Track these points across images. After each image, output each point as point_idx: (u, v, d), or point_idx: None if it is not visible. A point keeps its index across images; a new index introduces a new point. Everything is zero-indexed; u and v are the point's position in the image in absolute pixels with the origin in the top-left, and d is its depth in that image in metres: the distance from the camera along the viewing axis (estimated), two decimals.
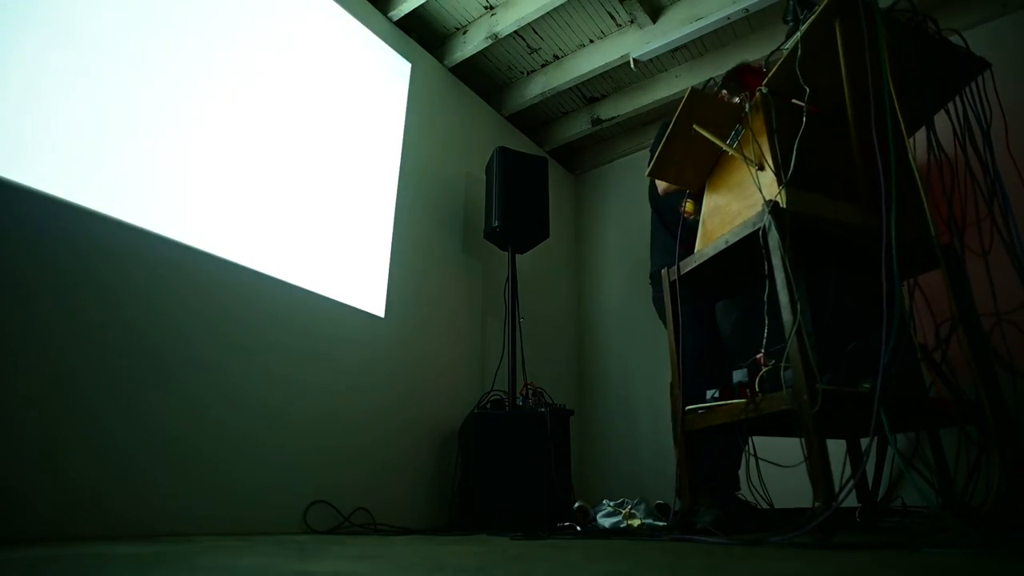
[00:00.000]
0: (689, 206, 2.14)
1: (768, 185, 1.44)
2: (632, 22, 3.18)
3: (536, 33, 3.29)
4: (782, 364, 1.27)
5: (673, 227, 2.25)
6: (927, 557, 0.89)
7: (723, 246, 1.54)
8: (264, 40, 2.41)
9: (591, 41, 3.36)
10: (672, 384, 2.09)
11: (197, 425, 1.85)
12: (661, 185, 2.12)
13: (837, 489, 1.12)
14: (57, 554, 1.12)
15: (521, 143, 3.81)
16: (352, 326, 2.48)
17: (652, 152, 2.28)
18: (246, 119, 2.27)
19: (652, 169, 1.79)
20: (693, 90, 1.65)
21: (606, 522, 1.95)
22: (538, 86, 3.57)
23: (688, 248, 2.14)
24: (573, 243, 4.16)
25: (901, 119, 1.23)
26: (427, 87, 3.19)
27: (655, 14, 3.13)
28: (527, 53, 3.45)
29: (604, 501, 2.05)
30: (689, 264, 1.71)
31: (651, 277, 2.32)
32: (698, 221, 2.15)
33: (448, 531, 2.30)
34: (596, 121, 3.81)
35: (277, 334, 2.17)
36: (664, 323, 2.25)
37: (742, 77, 2.21)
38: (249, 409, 2.01)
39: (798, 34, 1.44)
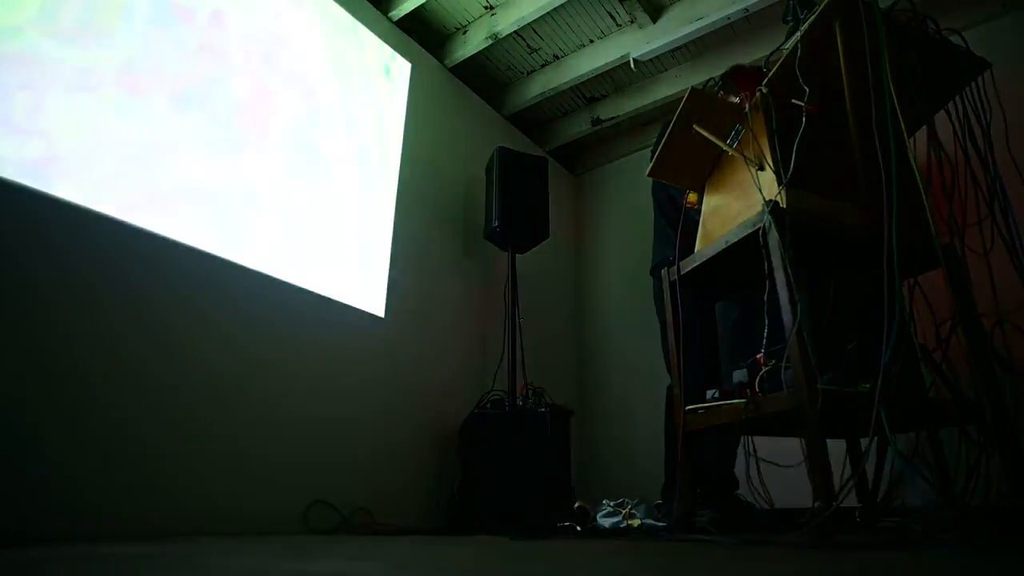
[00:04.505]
0: (692, 196, 2.13)
1: (768, 185, 1.44)
2: (632, 22, 3.18)
3: (536, 33, 3.29)
4: (782, 364, 1.27)
5: (672, 217, 2.24)
6: (927, 557, 0.89)
7: (723, 246, 1.54)
8: (264, 40, 2.41)
9: (591, 41, 3.36)
10: (672, 384, 2.09)
11: (197, 425, 1.85)
12: None
13: (837, 489, 1.12)
14: (57, 554, 1.12)
15: (521, 143, 3.81)
16: (352, 326, 2.48)
17: (653, 152, 2.27)
18: (246, 119, 2.27)
19: (652, 169, 1.79)
20: (693, 90, 1.65)
21: (606, 522, 1.95)
22: (538, 86, 3.57)
23: (689, 239, 2.13)
24: (573, 243, 4.15)
25: (901, 119, 1.23)
26: (427, 87, 3.19)
27: (655, 14, 3.13)
28: (527, 53, 3.45)
29: (604, 501, 2.05)
30: (689, 264, 1.71)
31: (652, 270, 2.31)
32: (699, 210, 2.14)
33: (448, 531, 2.30)
34: (596, 121, 3.81)
35: (277, 334, 2.17)
36: (660, 319, 2.24)
37: (736, 79, 2.22)
38: (249, 409, 2.01)
39: (798, 34, 1.44)
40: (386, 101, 2.94)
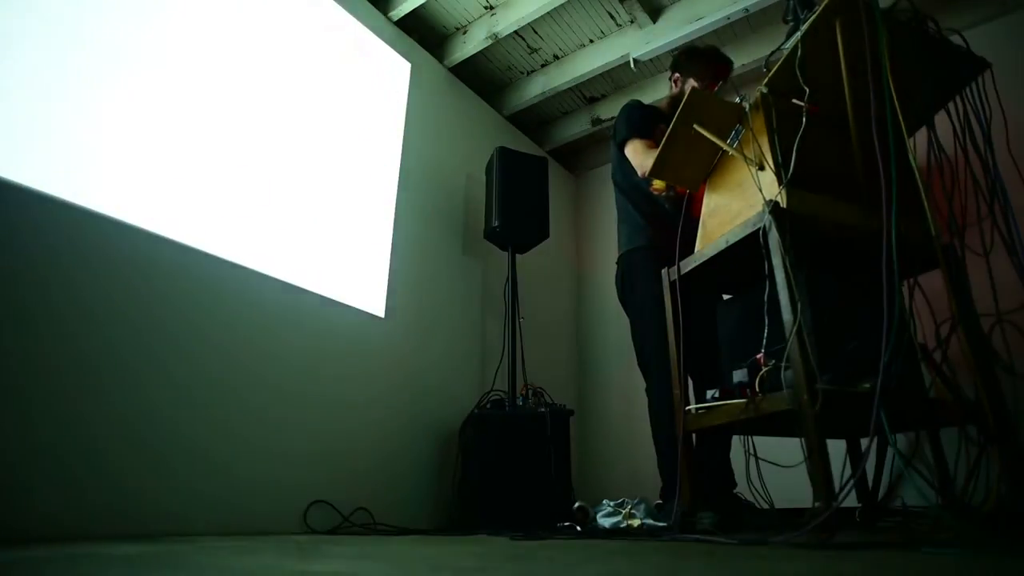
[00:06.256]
0: (659, 183, 2.12)
1: (768, 185, 1.44)
2: (632, 22, 3.18)
3: (536, 33, 3.29)
4: (782, 364, 1.27)
5: (636, 201, 2.23)
6: (927, 557, 0.89)
7: (723, 246, 1.54)
8: (264, 40, 2.41)
9: (591, 41, 3.36)
10: (649, 387, 2.10)
11: (197, 425, 1.85)
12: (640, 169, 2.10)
13: (837, 489, 1.12)
14: (57, 554, 1.12)
15: (521, 143, 3.81)
16: (352, 326, 2.48)
17: (618, 131, 2.24)
18: (246, 119, 2.27)
19: (652, 169, 1.79)
20: (693, 90, 1.65)
21: (606, 522, 1.95)
22: (538, 86, 3.57)
23: (658, 224, 2.13)
24: (573, 243, 4.15)
25: (901, 119, 1.23)
26: (427, 87, 3.19)
27: (655, 14, 3.13)
28: (527, 53, 3.45)
29: (604, 501, 2.05)
30: (689, 264, 1.71)
31: (620, 258, 2.28)
32: (667, 197, 2.14)
33: (448, 531, 2.30)
34: (596, 121, 3.81)
35: (277, 334, 2.17)
36: (624, 304, 2.24)
37: (693, 62, 2.22)
38: (249, 409, 2.01)
39: (798, 34, 1.44)
40: (386, 101, 2.94)
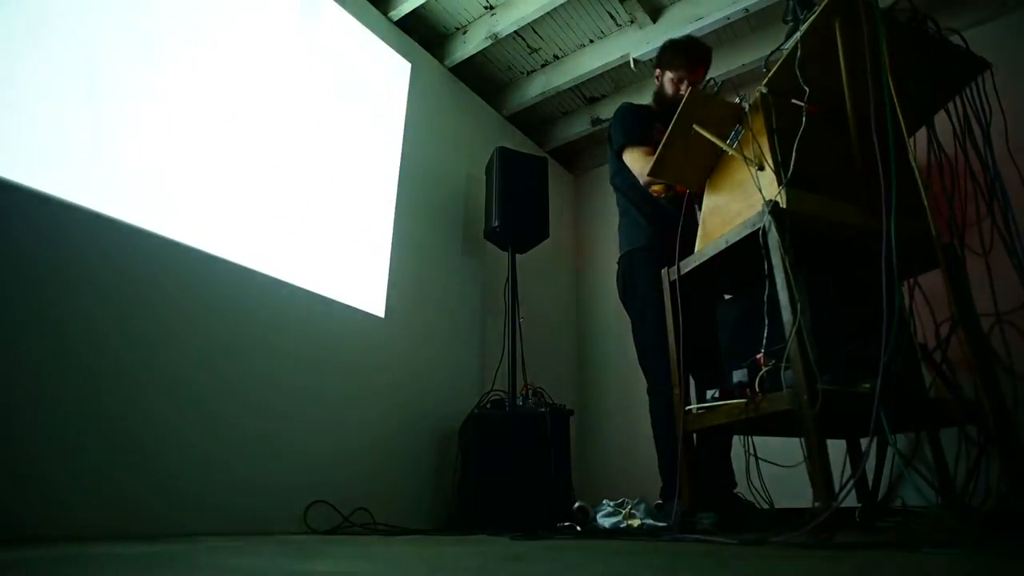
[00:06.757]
0: (658, 185, 2.12)
1: (768, 185, 1.44)
2: (632, 22, 3.18)
3: (536, 33, 3.29)
4: (782, 364, 1.27)
5: (640, 204, 2.22)
6: (927, 557, 0.89)
7: (723, 246, 1.54)
8: (264, 40, 2.41)
9: (591, 41, 3.36)
10: (650, 386, 2.10)
11: (197, 425, 1.85)
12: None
13: (837, 489, 1.12)
14: (57, 554, 1.12)
15: (521, 143, 3.81)
16: (352, 326, 2.48)
17: (613, 138, 2.24)
18: (246, 119, 2.27)
19: (652, 169, 1.79)
20: (693, 90, 1.65)
21: (606, 522, 1.95)
22: (538, 86, 3.57)
23: (658, 224, 2.13)
24: (573, 243, 4.15)
25: (901, 119, 1.23)
26: (427, 87, 3.19)
27: (655, 14, 3.13)
28: (527, 53, 3.45)
29: (604, 501, 2.05)
30: (689, 264, 1.71)
31: (619, 260, 2.28)
32: (667, 197, 2.14)
33: (448, 531, 2.30)
34: (596, 121, 3.81)
35: (276, 334, 2.17)
36: (625, 304, 2.23)
37: (678, 53, 2.21)
38: (249, 409, 2.01)
39: (798, 34, 1.44)
40: (386, 101, 2.94)
